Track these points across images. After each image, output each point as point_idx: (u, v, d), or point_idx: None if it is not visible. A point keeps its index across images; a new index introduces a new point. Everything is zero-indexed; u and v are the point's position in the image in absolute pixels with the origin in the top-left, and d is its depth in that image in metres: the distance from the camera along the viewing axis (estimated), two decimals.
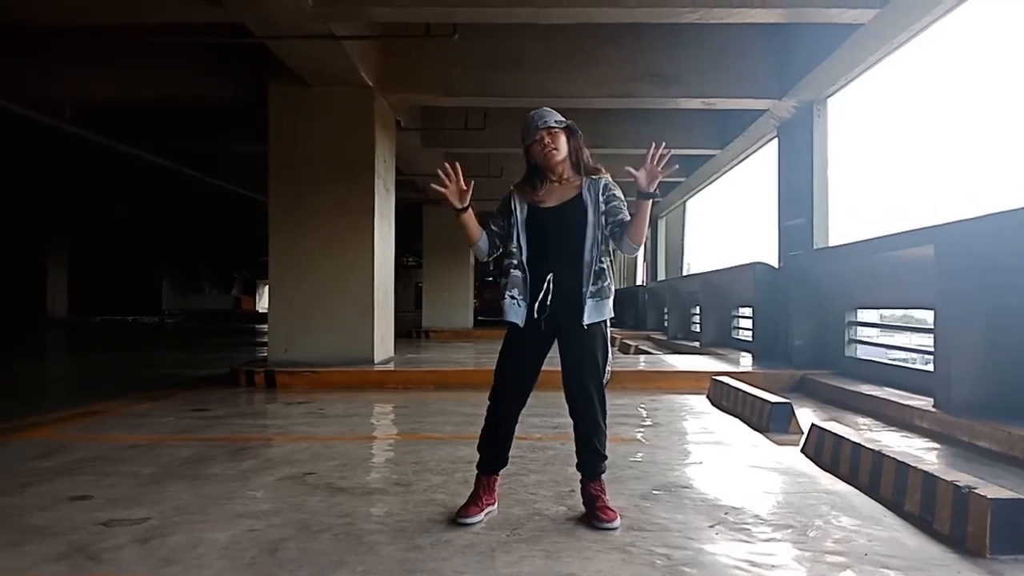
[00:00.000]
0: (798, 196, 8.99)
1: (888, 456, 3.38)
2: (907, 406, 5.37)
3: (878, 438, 4.58)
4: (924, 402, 5.33)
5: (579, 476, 3.14)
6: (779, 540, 2.83)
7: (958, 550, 2.69)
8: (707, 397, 6.74)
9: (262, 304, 43.57)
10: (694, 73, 8.73)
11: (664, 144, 2.88)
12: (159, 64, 8.74)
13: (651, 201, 2.98)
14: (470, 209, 3.12)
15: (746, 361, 8.81)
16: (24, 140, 12.47)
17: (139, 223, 25.35)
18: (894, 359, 7.33)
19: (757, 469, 4.03)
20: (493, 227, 3.18)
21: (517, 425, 3.19)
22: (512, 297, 3.06)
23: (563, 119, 3.12)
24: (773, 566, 2.56)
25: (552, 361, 3.16)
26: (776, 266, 9.25)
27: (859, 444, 3.70)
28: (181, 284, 41.87)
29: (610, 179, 3.12)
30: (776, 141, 9.83)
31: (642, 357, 10.96)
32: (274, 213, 8.52)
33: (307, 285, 8.39)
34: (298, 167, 8.43)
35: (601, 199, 3.04)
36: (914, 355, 7.26)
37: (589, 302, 2.99)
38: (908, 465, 3.20)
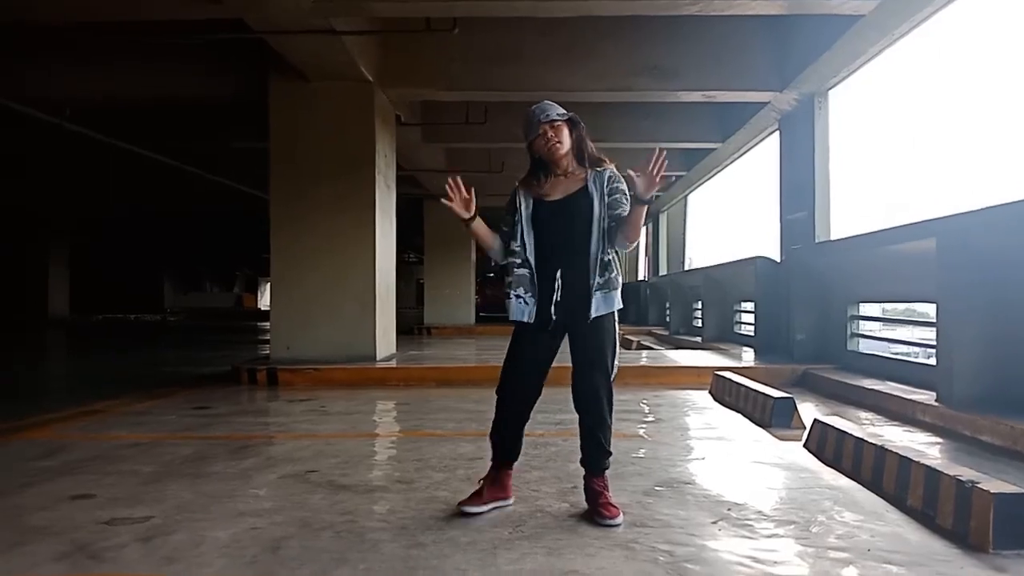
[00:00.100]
0: (800, 190, 8.96)
1: (891, 451, 3.38)
2: (909, 400, 5.36)
3: (880, 433, 4.57)
4: (926, 396, 5.31)
5: (581, 472, 3.14)
6: (782, 536, 2.82)
7: (961, 545, 2.68)
8: (709, 392, 6.74)
9: (264, 302, 43.58)
10: (694, 66, 8.70)
11: (664, 153, 2.86)
12: (159, 62, 8.72)
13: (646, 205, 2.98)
14: (478, 218, 3.11)
15: (748, 356, 8.80)
16: (24, 140, 12.46)
17: (140, 222, 25.35)
18: (896, 353, 7.32)
19: (760, 465, 4.02)
20: (504, 227, 3.18)
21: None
22: (518, 296, 3.06)
23: (565, 111, 3.11)
24: (776, 562, 2.56)
25: (557, 357, 3.16)
26: (778, 260, 9.23)
27: (862, 439, 3.69)
28: (182, 282, 41.90)
29: (615, 170, 3.11)
30: (777, 134, 9.80)
31: (644, 352, 10.97)
32: (275, 210, 8.52)
33: (308, 282, 8.39)
34: (299, 163, 8.42)
35: (605, 191, 3.04)
36: (916, 349, 7.25)
37: (597, 294, 2.99)
38: (911, 460, 3.19)
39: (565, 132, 3.07)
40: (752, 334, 9.77)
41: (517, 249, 3.10)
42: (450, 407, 6.05)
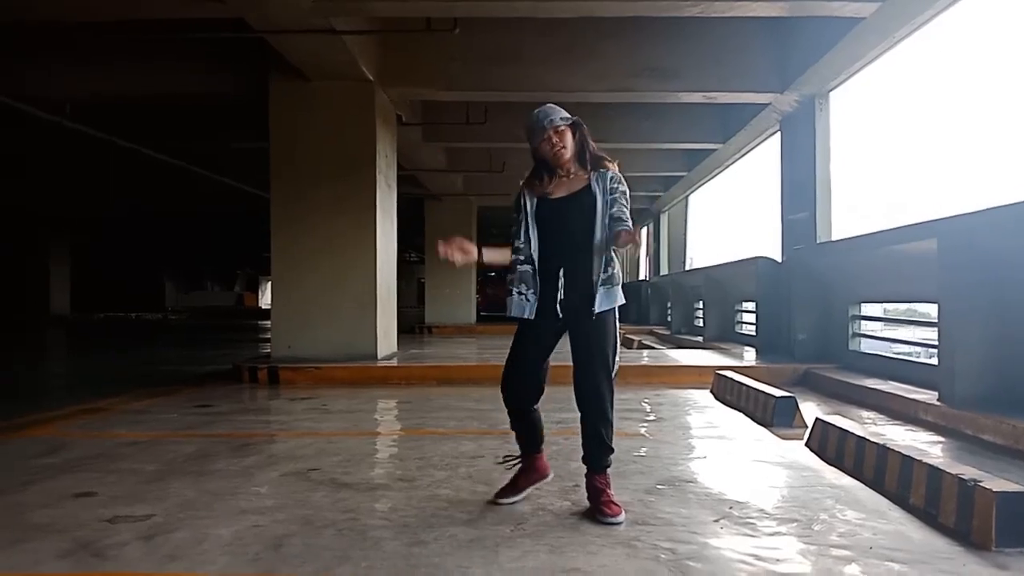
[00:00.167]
0: (801, 190, 8.97)
1: (893, 450, 3.38)
2: (911, 400, 5.36)
3: (882, 432, 4.56)
4: (928, 396, 5.31)
5: (583, 470, 3.15)
6: (784, 534, 2.82)
7: (963, 543, 2.68)
8: (711, 392, 6.74)
9: (265, 301, 43.63)
10: (695, 67, 8.71)
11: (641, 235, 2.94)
12: (159, 61, 8.73)
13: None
14: (482, 249, 3.15)
15: (749, 355, 8.80)
16: (24, 139, 12.46)
17: (141, 221, 25.38)
18: (898, 353, 7.32)
19: (761, 463, 4.02)
20: (513, 229, 3.21)
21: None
22: (520, 293, 3.09)
23: (568, 115, 3.16)
24: (778, 560, 2.56)
25: (557, 356, 3.16)
26: (779, 260, 9.23)
27: (864, 438, 3.69)
28: (184, 281, 41.96)
29: (616, 171, 3.15)
30: (778, 135, 9.81)
31: (645, 352, 10.97)
32: (276, 210, 8.52)
33: (309, 281, 8.40)
34: (299, 163, 8.43)
35: (608, 189, 3.08)
36: (918, 349, 7.25)
37: (600, 290, 3.02)
38: (913, 459, 3.19)
39: (569, 136, 3.12)
40: (753, 334, 9.77)
41: (521, 246, 3.13)
42: (451, 405, 6.05)
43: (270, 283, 9.34)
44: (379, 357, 8.42)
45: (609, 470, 3.11)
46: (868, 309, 7.52)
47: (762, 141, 11.26)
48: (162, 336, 20.23)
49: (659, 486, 3.50)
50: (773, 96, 8.80)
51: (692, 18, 7.40)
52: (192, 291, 42.21)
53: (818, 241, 8.54)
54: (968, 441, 4.47)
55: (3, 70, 8.78)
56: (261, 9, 6.47)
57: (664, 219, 19.41)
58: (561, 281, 3.05)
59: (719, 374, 6.67)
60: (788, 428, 4.95)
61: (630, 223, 3.07)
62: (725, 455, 4.28)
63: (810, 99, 8.70)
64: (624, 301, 3.12)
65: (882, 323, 7.66)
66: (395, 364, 8.30)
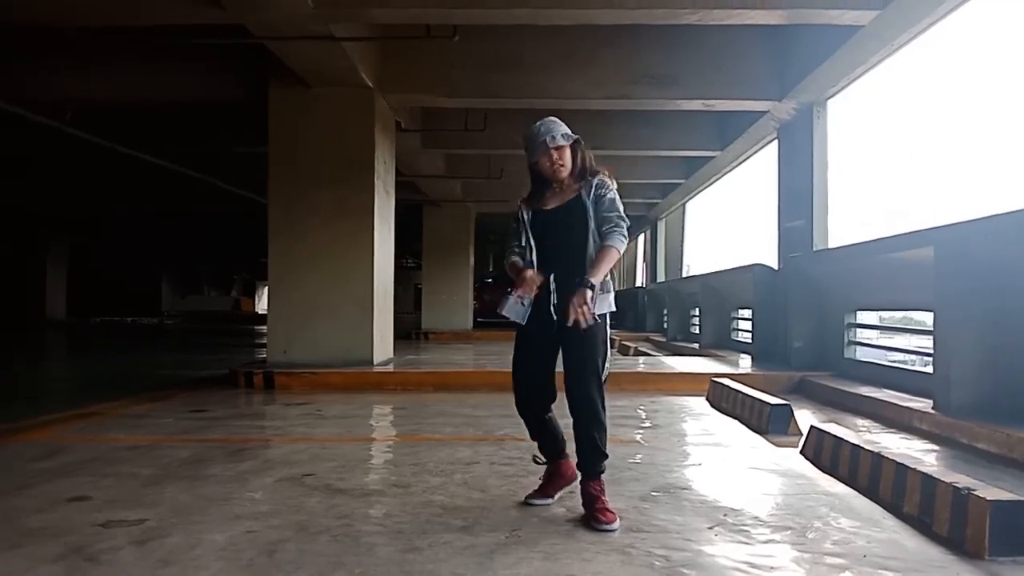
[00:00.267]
0: (798, 198, 8.99)
1: (887, 458, 3.38)
2: (906, 408, 5.37)
3: (877, 440, 4.58)
4: (923, 404, 5.32)
5: (578, 477, 3.15)
6: (778, 542, 2.83)
7: (957, 552, 2.69)
8: (706, 399, 6.74)
9: (261, 305, 43.58)
10: (693, 75, 8.73)
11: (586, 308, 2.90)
12: (160, 65, 8.73)
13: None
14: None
15: (745, 363, 8.81)
16: (24, 140, 12.45)
17: (139, 223, 25.36)
18: (893, 361, 7.32)
19: (756, 471, 4.02)
20: (514, 241, 3.28)
21: (546, 422, 3.28)
22: (518, 296, 3.12)
23: (569, 132, 3.19)
24: (772, 568, 2.56)
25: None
26: (776, 268, 9.25)
27: (858, 446, 3.70)
28: (180, 285, 41.88)
29: (605, 177, 3.18)
30: (776, 143, 9.83)
31: (641, 359, 10.96)
32: (274, 214, 8.53)
33: (306, 286, 8.39)
34: (298, 168, 8.44)
35: (594, 195, 3.12)
36: (913, 357, 7.26)
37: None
38: (907, 467, 3.20)
39: (568, 154, 3.17)
40: (749, 341, 9.78)
41: (518, 251, 3.23)
42: (447, 412, 6.04)
43: (267, 287, 9.34)
44: (375, 362, 8.42)
45: (604, 477, 3.12)
46: (864, 317, 7.53)
47: (760, 149, 11.28)
48: (158, 340, 20.19)
49: (654, 493, 3.50)
50: (771, 104, 8.83)
51: (691, 26, 7.42)
52: (189, 295, 42.13)
53: (814, 249, 8.56)
54: (963, 450, 4.48)
55: (3, 71, 8.79)
56: (261, 15, 6.48)
57: (661, 226, 19.43)
58: (552, 286, 3.09)
59: (715, 381, 6.68)
60: (783, 436, 4.95)
61: (621, 223, 3.09)
62: (720, 462, 4.28)
63: (808, 107, 8.73)
64: (615, 308, 3.16)
65: (878, 331, 7.68)
66: (391, 370, 8.29)
